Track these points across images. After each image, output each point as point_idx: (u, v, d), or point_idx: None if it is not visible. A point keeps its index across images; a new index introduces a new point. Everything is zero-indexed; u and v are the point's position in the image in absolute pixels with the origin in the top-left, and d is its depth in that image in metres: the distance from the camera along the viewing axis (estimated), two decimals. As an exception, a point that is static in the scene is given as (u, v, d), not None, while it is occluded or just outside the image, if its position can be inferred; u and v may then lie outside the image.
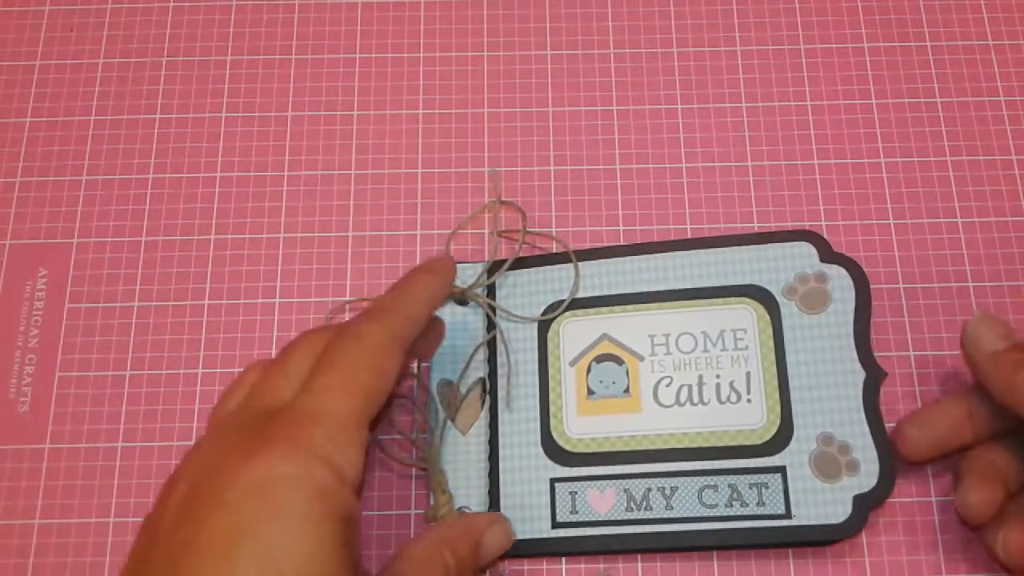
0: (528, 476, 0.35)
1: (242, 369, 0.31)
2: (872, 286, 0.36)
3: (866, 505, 0.33)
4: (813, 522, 0.33)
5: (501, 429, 0.36)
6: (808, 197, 0.40)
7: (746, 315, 0.36)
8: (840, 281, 0.36)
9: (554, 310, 0.37)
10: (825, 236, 0.37)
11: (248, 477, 0.25)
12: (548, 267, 0.38)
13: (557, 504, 0.34)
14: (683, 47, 0.43)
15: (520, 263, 0.38)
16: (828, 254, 0.37)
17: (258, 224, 0.40)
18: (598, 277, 0.38)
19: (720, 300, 0.37)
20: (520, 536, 0.34)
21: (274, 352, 0.38)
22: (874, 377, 0.35)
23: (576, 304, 0.37)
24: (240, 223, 0.40)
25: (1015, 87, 0.42)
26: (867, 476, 0.34)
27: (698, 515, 0.34)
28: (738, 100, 0.42)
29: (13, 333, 0.38)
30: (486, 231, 0.40)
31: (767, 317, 0.36)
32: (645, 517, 0.34)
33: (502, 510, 0.35)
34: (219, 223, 0.40)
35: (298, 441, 0.26)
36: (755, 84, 0.42)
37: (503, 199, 0.40)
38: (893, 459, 0.34)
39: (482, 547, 0.32)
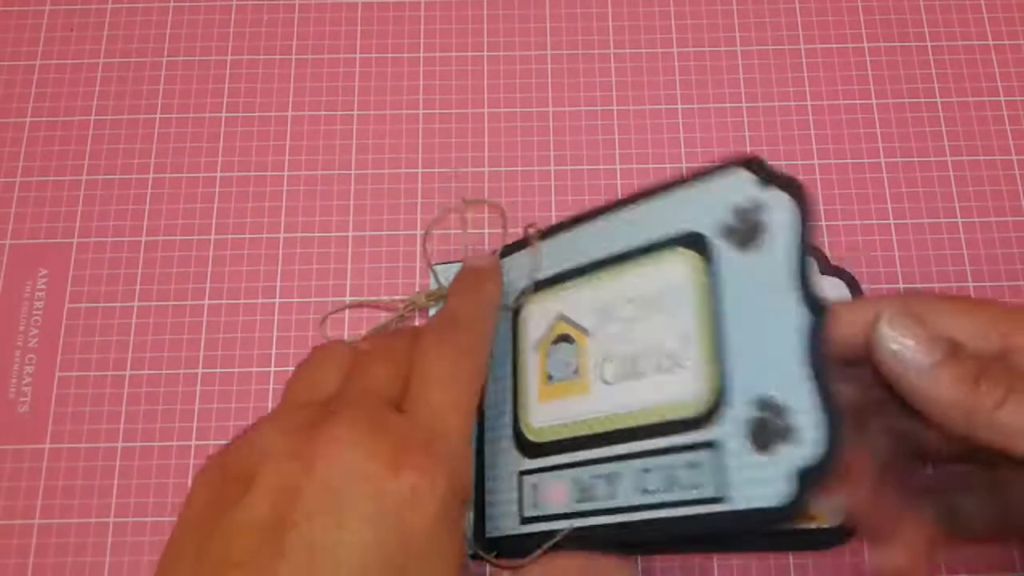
0: (504, 472, 0.33)
1: (312, 349, 0.30)
2: (872, 286, 0.36)
3: (813, 481, 0.25)
4: (751, 505, 0.26)
5: (485, 426, 0.34)
6: (808, 197, 0.40)
7: (680, 268, 0.30)
8: (779, 206, 0.28)
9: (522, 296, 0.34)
10: (766, 161, 0.29)
11: (394, 490, 0.24)
12: (516, 254, 0.36)
13: (524, 499, 0.32)
14: (683, 47, 0.43)
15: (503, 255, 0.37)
16: (769, 178, 0.29)
17: (258, 224, 0.40)
18: (558, 254, 0.34)
19: (654, 256, 0.31)
20: (494, 535, 0.32)
21: (274, 352, 0.38)
22: (820, 319, 0.26)
23: (540, 286, 0.34)
24: (240, 223, 0.40)
25: (1015, 87, 0.42)
26: (812, 444, 0.25)
27: (638, 503, 0.29)
28: (738, 100, 0.42)
29: (13, 333, 0.38)
30: (460, 231, 0.40)
31: (701, 266, 0.30)
32: (592, 508, 0.30)
33: (486, 509, 0.33)
34: (219, 223, 0.40)
35: (437, 459, 0.25)
36: (755, 84, 0.42)
37: (471, 199, 0.40)
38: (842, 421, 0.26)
39: None
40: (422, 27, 0.43)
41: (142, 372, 0.38)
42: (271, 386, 0.38)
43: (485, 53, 0.43)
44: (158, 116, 0.42)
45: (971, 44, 0.43)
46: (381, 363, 0.29)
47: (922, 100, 0.42)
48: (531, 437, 0.33)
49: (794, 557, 0.35)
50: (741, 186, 0.29)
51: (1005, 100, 0.42)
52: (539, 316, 0.34)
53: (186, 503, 0.26)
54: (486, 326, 0.31)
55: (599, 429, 0.30)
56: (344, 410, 0.26)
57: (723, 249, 0.29)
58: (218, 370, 0.38)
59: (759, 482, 0.26)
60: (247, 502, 0.24)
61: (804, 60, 0.42)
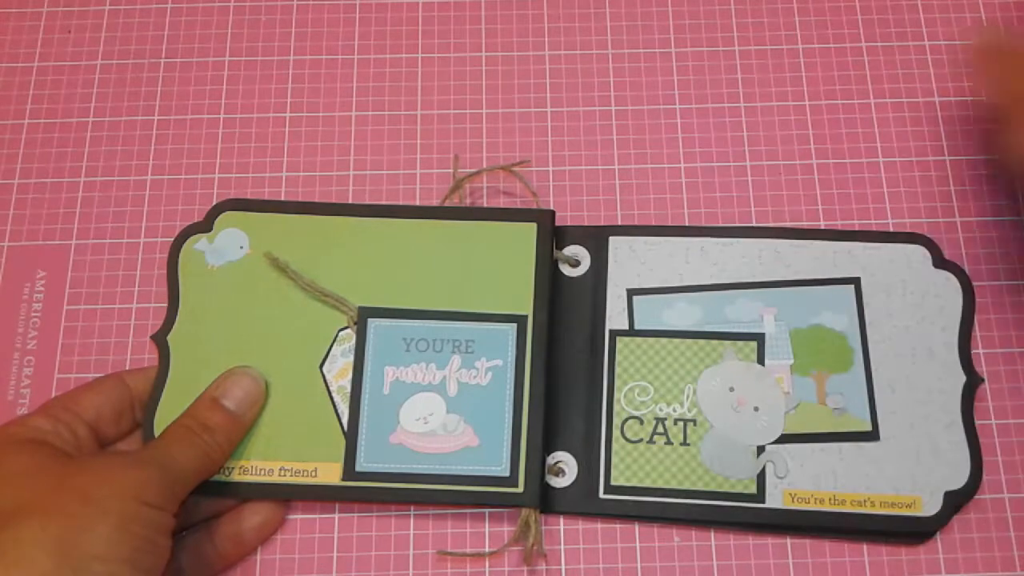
0: None
1: None
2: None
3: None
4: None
5: None
6: (806, 197, 0.40)
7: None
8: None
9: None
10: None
11: None
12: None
13: None
14: (681, 47, 0.43)
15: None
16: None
17: (257, 225, 0.40)
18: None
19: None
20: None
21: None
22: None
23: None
24: (239, 224, 0.40)
25: (1013, 87, 0.42)
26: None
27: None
28: (736, 100, 0.42)
29: (11, 335, 0.38)
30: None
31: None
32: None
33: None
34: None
35: None
36: (753, 84, 0.42)
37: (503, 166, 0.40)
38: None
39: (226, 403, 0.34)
40: (420, 27, 0.43)
41: (141, 374, 0.38)
42: (270, 387, 0.38)
43: (484, 53, 0.43)
44: (156, 117, 0.42)
45: (969, 44, 0.43)
46: None
47: (920, 100, 0.42)
48: None
49: (794, 557, 0.35)
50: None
51: (1003, 100, 0.42)
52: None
53: None
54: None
55: None
56: None
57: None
58: (217, 371, 0.38)
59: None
60: None
61: (802, 60, 0.43)
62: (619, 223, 0.40)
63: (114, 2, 0.44)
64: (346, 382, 0.36)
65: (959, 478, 0.35)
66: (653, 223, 0.40)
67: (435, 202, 0.40)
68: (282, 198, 0.40)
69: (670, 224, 0.40)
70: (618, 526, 0.36)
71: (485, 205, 0.40)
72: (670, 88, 0.42)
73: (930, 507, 0.35)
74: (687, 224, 0.40)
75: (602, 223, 0.40)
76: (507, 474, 0.35)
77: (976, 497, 0.35)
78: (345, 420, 0.36)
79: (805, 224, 0.40)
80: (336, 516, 0.36)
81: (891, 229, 0.39)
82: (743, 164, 0.41)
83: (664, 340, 0.37)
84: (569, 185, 0.40)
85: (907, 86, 0.42)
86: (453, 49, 0.43)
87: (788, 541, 0.35)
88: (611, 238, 0.39)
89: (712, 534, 0.36)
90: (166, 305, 0.38)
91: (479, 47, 0.43)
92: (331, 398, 0.36)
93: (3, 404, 0.37)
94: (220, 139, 0.41)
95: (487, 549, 0.35)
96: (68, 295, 0.39)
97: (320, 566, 0.35)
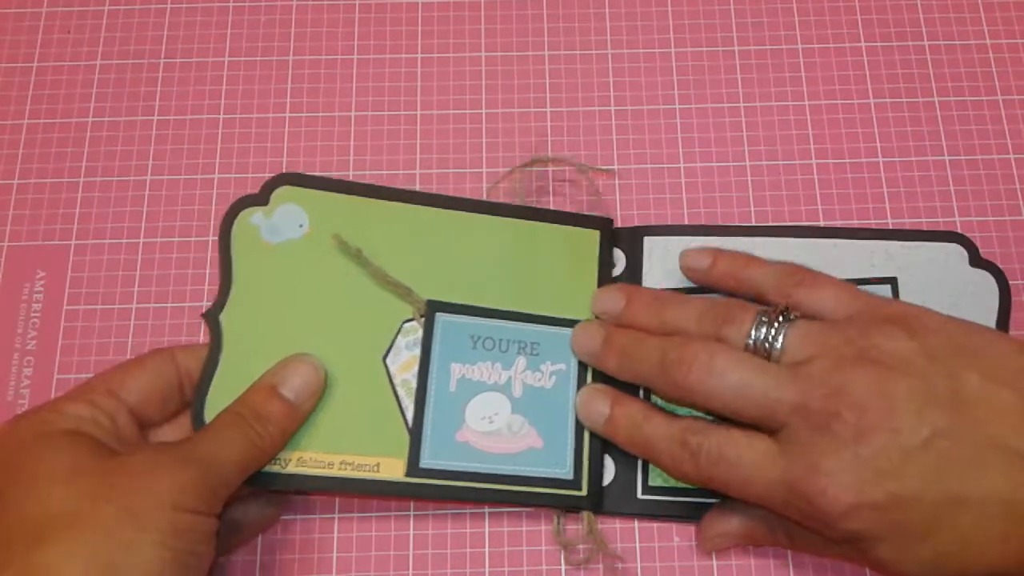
0: None
1: None
2: (871, 286, 0.36)
3: None
4: None
5: None
6: (806, 197, 0.40)
7: None
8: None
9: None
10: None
11: None
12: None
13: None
14: (681, 47, 0.43)
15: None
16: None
17: (256, 225, 0.40)
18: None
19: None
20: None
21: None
22: None
23: None
24: (238, 224, 0.40)
25: (1013, 87, 0.42)
26: None
27: None
28: (736, 100, 0.42)
29: (11, 335, 0.38)
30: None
31: None
32: None
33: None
34: (217, 225, 0.40)
35: None
36: (753, 84, 0.42)
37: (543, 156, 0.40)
38: None
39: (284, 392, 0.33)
40: (420, 28, 0.43)
41: (141, 374, 0.38)
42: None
43: (484, 53, 0.43)
44: (156, 118, 0.42)
45: (968, 44, 0.43)
46: None
47: (920, 100, 0.42)
48: None
49: (793, 557, 0.35)
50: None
51: (1003, 100, 0.42)
52: None
53: None
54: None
55: None
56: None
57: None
58: (217, 372, 0.38)
59: None
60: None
61: (802, 60, 0.43)
62: (619, 224, 0.40)
63: (114, 2, 0.44)
64: (410, 375, 0.35)
65: None
66: (653, 223, 0.40)
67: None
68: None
69: (703, 223, 0.39)
70: (655, 526, 0.36)
71: (527, 199, 0.40)
72: (670, 88, 0.42)
73: None
74: (719, 223, 0.39)
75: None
76: (571, 477, 0.35)
77: None
78: (409, 415, 0.35)
79: (838, 222, 0.39)
80: (336, 516, 0.36)
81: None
82: (743, 164, 0.41)
83: None
84: (568, 185, 0.40)
85: (907, 86, 0.42)
86: (453, 49, 0.43)
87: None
88: (646, 238, 0.38)
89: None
90: (167, 305, 0.38)
91: (479, 47, 0.43)
92: (394, 391, 0.35)
93: (3, 404, 0.37)
94: (220, 139, 0.41)
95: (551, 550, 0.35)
96: (68, 295, 0.39)
97: (320, 566, 0.35)
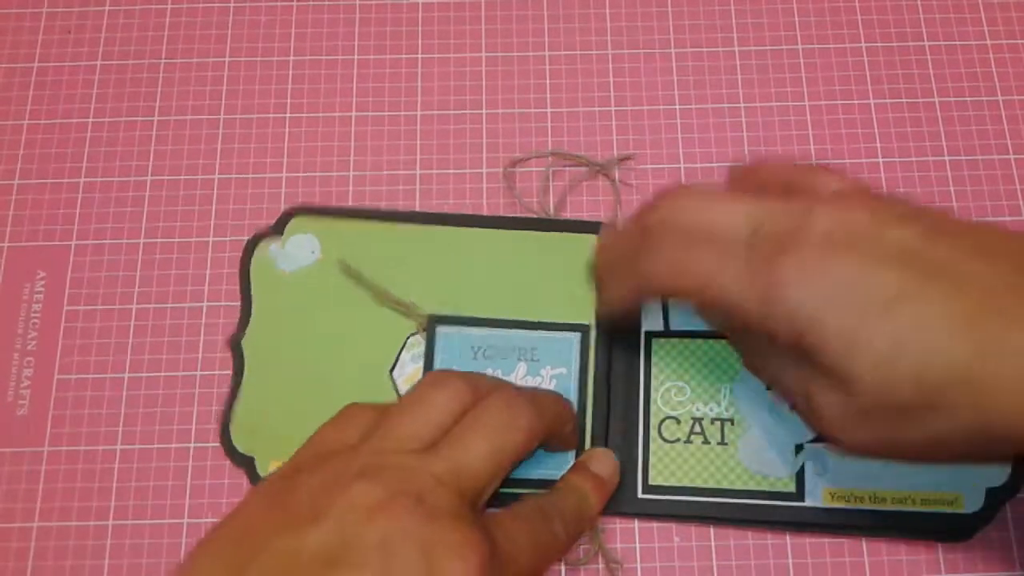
0: None
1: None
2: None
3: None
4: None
5: None
6: (807, 197, 0.40)
7: None
8: None
9: None
10: None
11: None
12: None
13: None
14: (681, 47, 0.43)
15: None
16: None
17: (256, 226, 0.40)
18: None
19: None
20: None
21: (273, 354, 0.38)
22: None
23: None
24: (238, 225, 0.40)
25: (1013, 87, 0.42)
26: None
27: None
28: (736, 100, 0.42)
29: (11, 336, 0.38)
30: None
31: None
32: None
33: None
34: (217, 224, 0.40)
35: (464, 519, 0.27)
36: (753, 85, 0.42)
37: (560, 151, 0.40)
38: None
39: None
40: (420, 28, 0.43)
41: (141, 375, 0.38)
42: (270, 388, 0.38)
43: (484, 54, 0.43)
44: (156, 118, 0.42)
45: (969, 44, 0.43)
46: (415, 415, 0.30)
47: (920, 100, 0.42)
48: None
49: (793, 557, 0.35)
50: None
51: (1003, 100, 0.42)
52: None
53: (239, 510, 0.27)
54: (534, 437, 0.31)
55: None
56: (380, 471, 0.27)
57: None
58: (216, 372, 0.38)
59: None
60: (305, 534, 0.25)
61: (802, 61, 0.43)
62: (619, 224, 0.40)
63: (114, 2, 0.44)
64: None
65: (1001, 475, 0.35)
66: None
67: (434, 202, 0.40)
68: (282, 198, 0.40)
69: None
70: (655, 526, 0.36)
71: (536, 198, 0.40)
72: (670, 88, 0.42)
73: (971, 504, 0.35)
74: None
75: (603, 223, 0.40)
76: None
77: (1020, 496, 0.35)
78: None
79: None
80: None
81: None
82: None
83: (700, 340, 0.37)
84: (568, 185, 0.40)
85: (907, 86, 0.42)
86: (453, 49, 0.43)
87: (826, 541, 0.35)
88: None
89: (749, 533, 0.36)
90: (167, 306, 0.38)
91: (479, 47, 0.43)
92: None
93: (3, 405, 0.37)
94: (220, 139, 0.41)
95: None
96: (68, 295, 0.39)
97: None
